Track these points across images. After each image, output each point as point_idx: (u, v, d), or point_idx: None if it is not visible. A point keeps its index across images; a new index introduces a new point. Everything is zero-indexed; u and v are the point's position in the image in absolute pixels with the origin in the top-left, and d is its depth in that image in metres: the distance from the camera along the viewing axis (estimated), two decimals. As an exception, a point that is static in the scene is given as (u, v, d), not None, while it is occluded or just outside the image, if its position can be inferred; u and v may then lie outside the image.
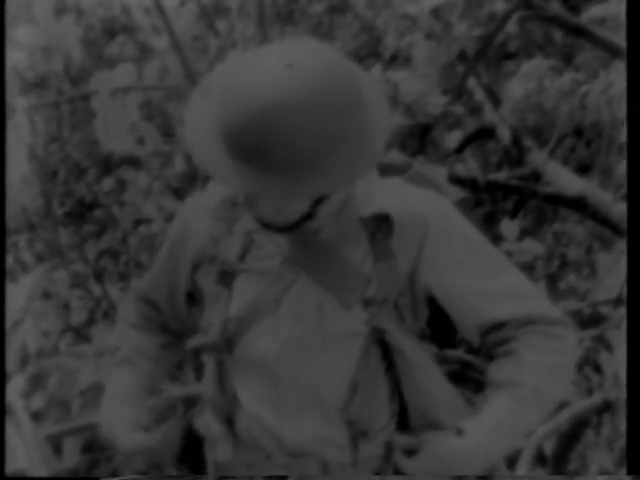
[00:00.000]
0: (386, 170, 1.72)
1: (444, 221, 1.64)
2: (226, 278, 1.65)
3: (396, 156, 2.77)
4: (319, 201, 1.56)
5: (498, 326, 1.64)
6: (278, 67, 1.41)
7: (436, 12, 3.87)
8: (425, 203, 1.64)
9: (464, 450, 1.59)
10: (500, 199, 3.86)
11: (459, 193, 1.76)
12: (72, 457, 2.85)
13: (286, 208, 1.54)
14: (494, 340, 1.65)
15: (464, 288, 1.62)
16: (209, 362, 1.70)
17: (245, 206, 1.58)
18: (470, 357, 2.64)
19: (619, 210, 3.38)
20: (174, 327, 1.85)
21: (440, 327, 1.74)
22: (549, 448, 2.93)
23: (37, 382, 2.98)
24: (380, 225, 1.61)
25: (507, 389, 1.61)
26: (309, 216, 1.57)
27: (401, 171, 1.75)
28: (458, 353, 2.60)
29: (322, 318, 1.60)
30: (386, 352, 1.65)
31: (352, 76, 1.47)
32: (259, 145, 1.41)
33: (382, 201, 1.61)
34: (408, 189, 1.66)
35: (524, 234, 3.60)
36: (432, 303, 1.68)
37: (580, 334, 3.18)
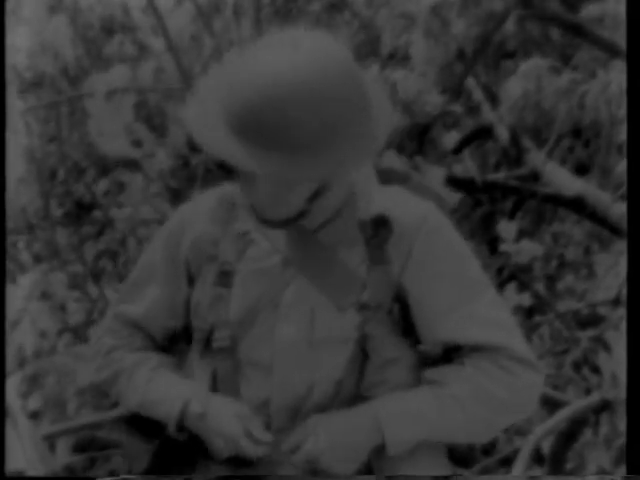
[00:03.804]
0: (387, 178, 1.72)
1: (440, 228, 1.63)
2: (226, 279, 1.64)
3: (394, 158, 2.75)
4: (315, 196, 1.55)
5: (460, 347, 1.62)
6: (284, 48, 1.43)
7: (435, 10, 3.86)
8: (426, 207, 1.64)
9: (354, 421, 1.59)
10: (498, 199, 3.85)
11: (456, 198, 1.76)
12: (69, 457, 2.85)
13: (283, 198, 1.53)
14: (453, 356, 1.64)
15: (437, 301, 1.60)
16: (220, 367, 1.65)
17: (242, 192, 1.58)
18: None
19: (618, 210, 3.38)
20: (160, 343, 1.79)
21: None
22: (547, 447, 2.93)
23: (34, 382, 2.98)
24: (378, 229, 1.60)
25: (430, 386, 1.61)
26: (304, 213, 1.56)
27: (401, 181, 1.75)
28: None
29: (313, 323, 1.59)
30: (363, 363, 1.63)
31: (352, 61, 1.50)
32: (265, 123, 1.41)
33: (383, 205, 1.61)
34: (409, 196, 1.66)
35: (522, 234, 3.60)
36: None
37: (578, 334, 3.18)
